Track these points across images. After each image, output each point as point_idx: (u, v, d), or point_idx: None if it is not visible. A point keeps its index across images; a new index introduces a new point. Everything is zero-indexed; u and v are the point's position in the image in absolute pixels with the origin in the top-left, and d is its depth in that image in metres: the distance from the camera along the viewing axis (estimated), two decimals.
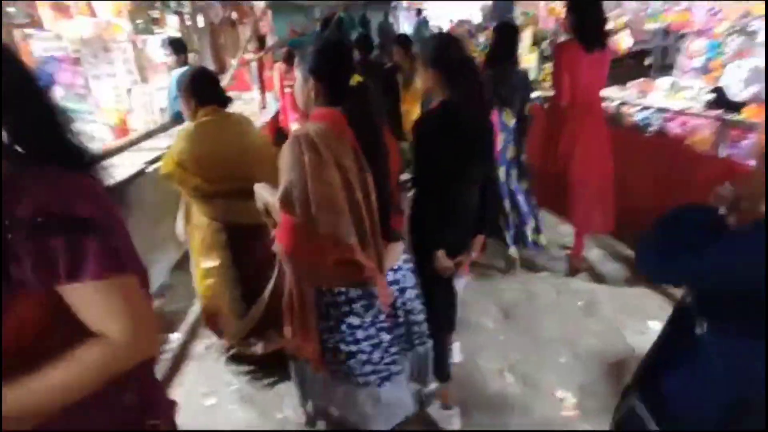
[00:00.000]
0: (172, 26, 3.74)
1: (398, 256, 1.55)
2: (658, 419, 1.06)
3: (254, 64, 5.55)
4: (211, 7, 4.50)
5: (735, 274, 0.88)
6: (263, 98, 6.29)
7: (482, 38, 5.81)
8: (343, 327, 1.46)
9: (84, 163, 0.82)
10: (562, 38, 3.48)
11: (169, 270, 3.18)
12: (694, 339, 0.98)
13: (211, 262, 2.12)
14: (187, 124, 2.07)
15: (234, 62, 4.48)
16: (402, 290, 1.58)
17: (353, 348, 1.48)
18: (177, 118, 3.52)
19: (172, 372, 2.39)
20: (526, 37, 4.64)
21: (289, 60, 6.57)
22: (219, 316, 2.22)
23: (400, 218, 1.63)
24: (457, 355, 2.31)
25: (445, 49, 1.73)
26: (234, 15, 5.18)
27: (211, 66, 4.53)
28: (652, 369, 1.14)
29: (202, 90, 2.01)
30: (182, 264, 3.22)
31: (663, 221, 1.00)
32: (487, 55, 3.08)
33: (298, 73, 1.40)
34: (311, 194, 1.27)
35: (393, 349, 1.54)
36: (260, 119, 5.75)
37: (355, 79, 1.37)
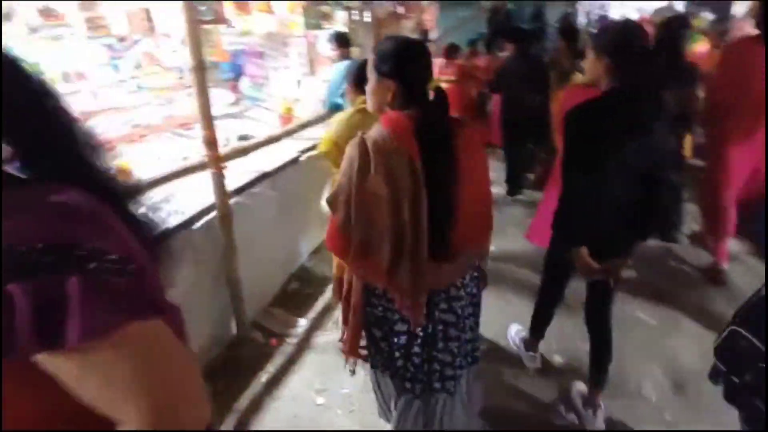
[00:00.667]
0: (340, 21, 3.91)
1: (452, 278, 1.42)
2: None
3: None
4: (380, 3, 4.58)
5: None
6: None
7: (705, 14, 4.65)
8: (389, 330, 1.43)
9: (107, 189, 0.66)
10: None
11: (309, 253, 3.34)
12: None
13: None
14: (347, 110, 2.25)
15: None
16: (463, 309, 1.46)
17: (397, 354, 1.44)
18: (334, 109, 3.65)
19: (292, 360, 2.46)
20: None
21: (448, 54, 6.47)
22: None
23: (483, 233, 1.49)
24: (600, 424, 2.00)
25: (618, 36, 1.63)
26: (401, 9, 5.21)
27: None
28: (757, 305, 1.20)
29: (363, 80, 2.01)
30: (321, 250, 3.34)
31: None
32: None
33: (371, 73, 1.34)
34: (353, 201, 1.24)
35: (437, 365, 1.45)
36: None
37: (434, 83, 1.30)
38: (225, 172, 2.27)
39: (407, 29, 5.35)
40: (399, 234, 1.24)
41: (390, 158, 1.22)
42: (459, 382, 1.53)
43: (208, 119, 2.14)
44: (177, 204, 2.38)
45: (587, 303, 1.94)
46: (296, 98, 4.48)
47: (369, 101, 1.39)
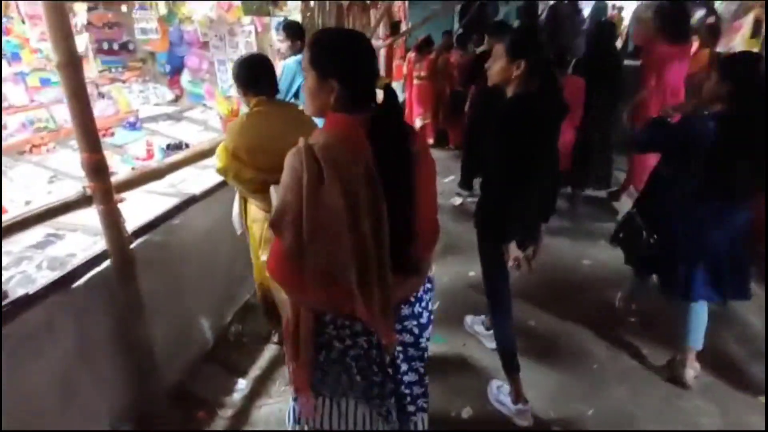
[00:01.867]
0: (292, 8, 3.29)
1: (416, 289, 1.32)
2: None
3: (382, 52, 4.93)
4: None
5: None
6: None
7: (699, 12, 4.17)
8: (347, 359, 1.31)
9: None
10: None
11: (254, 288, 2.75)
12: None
13: None
14: (240, 116, 1.99)
15: None
16: (421, 327, 1.34)
17: (359, 377, 1.33)
18: None
19: None
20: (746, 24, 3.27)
21: (420, 49, 5.91)
22: (275, 308, 2.13)
23: (434, 241, 1.35)
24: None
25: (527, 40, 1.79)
26: None
27: None
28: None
29: (256, 79, 1.94)
30: None
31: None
32: None
33: (308, 72, 1.18)
34: (305, 220, 1.09)
35: (405, 389, 1.35)
36: None
37: (382, 81, 1.17)
38: (125, 204, 1.66)
39: (374, 19, 4.74)
40: (363, 250, 1.10)
41: (344, 167, 1.07)
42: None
43: (90, 137, 1.51)
44: (61, 247, 1.74)
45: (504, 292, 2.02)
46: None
47: (307, 104, 1.21)
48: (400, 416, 1.37)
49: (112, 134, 2.94)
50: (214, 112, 3.78)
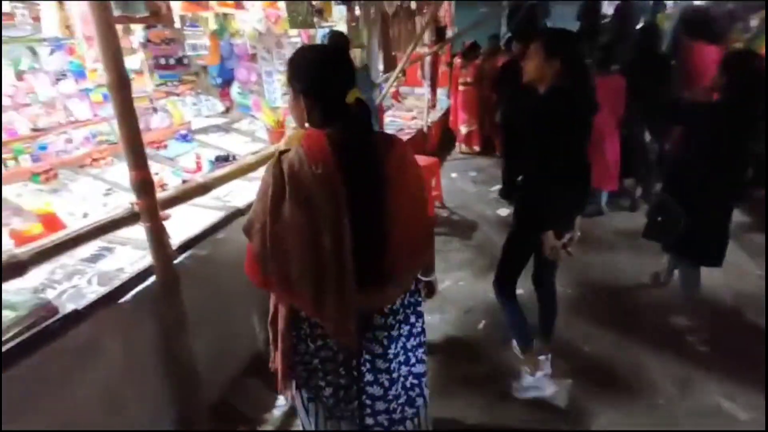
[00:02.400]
0: (338, 18, 3.26)
1: (389, 300, 1.30)
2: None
3: (427, 59, 4.84)
4: None
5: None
6: (434, 96, 5.60)
7: (755, 21, 4.03)
8: (316, 360, 1.32)
9: None
10: None
11: None
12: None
13: None
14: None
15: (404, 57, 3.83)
16: (391, 339, 1.31)
17: (323, 382, 1.34)
18: None
19: None
20: None
21: (466, 54, 5.76)
22: None
23: (418, 255, 1.33)
24: (547, 367, 2.21)
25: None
26: (413, 5, 4.52)
27: (379, 63, 3.98)
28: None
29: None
30: None
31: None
32: None
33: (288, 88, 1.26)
34: (268, 231, 1.13)
35: (367, 399, 1.33)
36: (428, 118, 5.10)
37: (353, 95, 1.15)
38: (171, 220, 1.67)
39: (420, 26, 4.65)
40: (320, 264, 1.13)
41: (306, 182, 1.10)
42: (404, 425, 1.42)
43: (137, 155, 1.52)
44: (111, 261, 1.78)
45: (538, 272, 2.18)
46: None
47: (292, 117, 1.27)
48: (360, 425, 1.36)
49: (165, 147, 3.03)
50: (261, 123, 3.83)
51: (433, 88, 5.40)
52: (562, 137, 1.77)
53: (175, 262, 1.71)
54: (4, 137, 2.68)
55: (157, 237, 1.61)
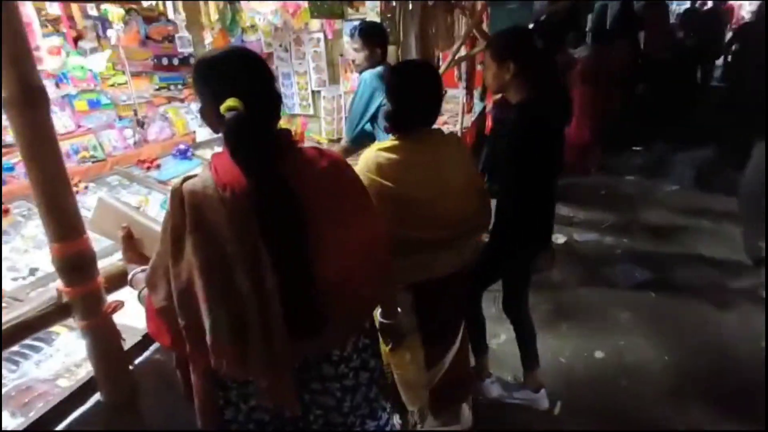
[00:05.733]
0: (371, 8, 2.62)
1: (332, 346, 1.06)
2: None
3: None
4: None
5: None
6: (470, 99, 4.93)
7: None
8: (252, 424, 1.06)
9: None
10: None
11: None
12: None
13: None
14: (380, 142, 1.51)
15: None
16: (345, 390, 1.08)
17: None
18: (359, 139, 2.37)
19: None
20: None
21: None
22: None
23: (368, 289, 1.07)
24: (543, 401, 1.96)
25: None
26: None
27: None
28: None
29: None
30: None
31: None
32: None
33: None
34: (171, 275, 0.88)
35: None
36: (463, 122, 4.45)
37: (227, 104, 0.88)
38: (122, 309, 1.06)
39: (460, 23, 3.97)
40: (239, 311, 0.88)
41: (212, 210, 0.87)
42: None
43: (62, 215, 0.91)
44: (36, 368, 1.17)
45: (508, 296, 1.94)
46: (308, 116, 3.26)
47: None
48: None
49: (158, 166, 2.44)
50: None
51: (470, 90, 4.72)
52: (533, 158, 1.61)
53: (136, 363, 1.11)
54: None
55: (102, 340, 1.00)
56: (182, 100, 3.25)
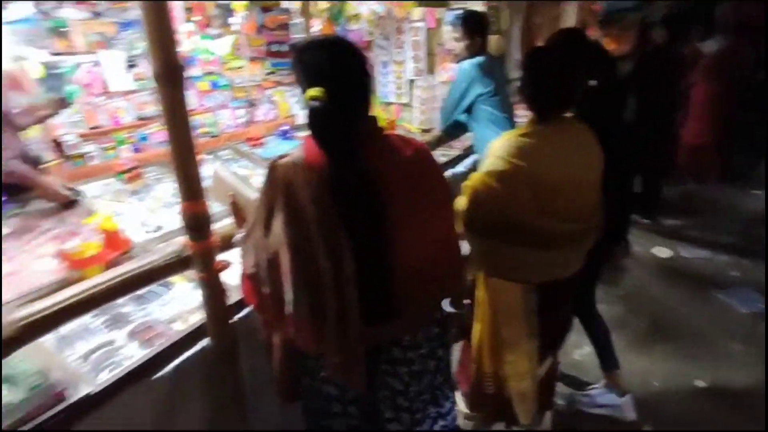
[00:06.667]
0: None
1: (403, 333, 1.06)
2: None
3: None
4: None
5: None
6: None
7: None
8: (319, 401, 1.11)
9: None
10: None
11: None
12: None
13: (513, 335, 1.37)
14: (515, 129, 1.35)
15: None
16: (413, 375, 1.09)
17: (327, 422, 1.13)
18: (453, 129, 2.34)
19: None
20: None
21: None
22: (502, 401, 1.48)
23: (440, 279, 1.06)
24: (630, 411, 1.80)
25: None
26: None
27: (517, 53, 3.18)
28: None
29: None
30: None
31: None
32: None
33: None
34: (261, 246, 0.94)
35: None
36: None
37: (310, 93, 0.91)
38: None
39: (567, 13, 3.71)
40: (319, 291, 0.91)
41: (301, 193, 0.90)
42: None
43: (189, 180, 1.03)
44: (161, 307, 1.35)
45: (579, 293, 1.56)
46: (405, 105, 3.28)
47: None
48: None
49: (263, 144, 2.63)
50: None
51: None
52: None
53: (235, 319, 1.23)
54: (110, 125, 2.52)
55: (212, 293, 1.12)
56: (288, 84, 3.47)
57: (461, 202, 1.28)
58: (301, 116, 3.18)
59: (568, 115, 1.32)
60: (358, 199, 0.93)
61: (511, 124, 2.18)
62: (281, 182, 0.92)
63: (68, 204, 1.72)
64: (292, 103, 3.31)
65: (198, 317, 1.27)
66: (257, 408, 1.32)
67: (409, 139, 1.05)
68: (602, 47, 1.89)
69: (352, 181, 0.92)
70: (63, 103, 1.91)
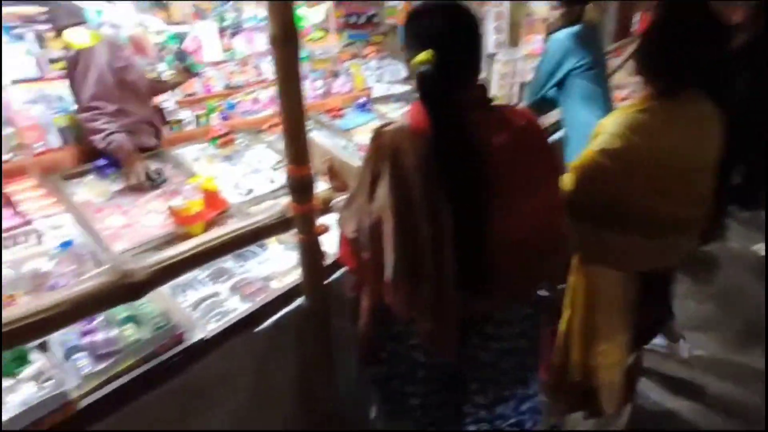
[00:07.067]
0: None
1: (496, 308, 1.05)
2: None
3: None
4: None
5: None
6: None
7: None
8: (405, 366, 1.12)
9: None
10: None
11: None
12: None
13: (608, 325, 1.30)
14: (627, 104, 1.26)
15: None
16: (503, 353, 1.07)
17: (410, 389, 1.14)
18: (539, 105, 2.22)
19: None
20: None
21: None
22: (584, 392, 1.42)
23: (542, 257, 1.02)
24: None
25: None
26: None
27: (610, 23, 2.93)
28: None
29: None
30: None
31: None
32: None
33: None
34: (364, 211, 0.95)
35: (470, 408, 1.12)
36: None
37: (420, 58, 0.87)
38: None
39: None
40: (418, 257, 0.91)
41: (406, 160, 0.90)
42: None
43: (297, 143, 1.06)
44: (258, 266, 1.41)
45: None
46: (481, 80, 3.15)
47: None
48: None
49: (342, 116, 2.65)
50: None
51: None
52: None
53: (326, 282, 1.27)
54: (203, 93, 2.65)
55: (311, 254, 1.16)
56: (364, 57, 3.45)
57: (566, 182, 1.21)
58: (377, 89, 3.17)
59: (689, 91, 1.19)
60: (462, 167, 0.91)
61: (608, 99, 2.02)
62: (387, 148, 0.92)
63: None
64: (368, 76, 3.30)
65: (292, 277, 1.33)
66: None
67: (520, 110, 1.02)
68: (721, 16, 1.68)
69: (458, 149, 0.91)
70: (189, 72, 2.02)
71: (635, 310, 1.28)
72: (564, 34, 2.02)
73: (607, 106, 2.01)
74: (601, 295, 1.26)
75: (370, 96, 3.07)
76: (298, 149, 1.06)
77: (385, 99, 3.02)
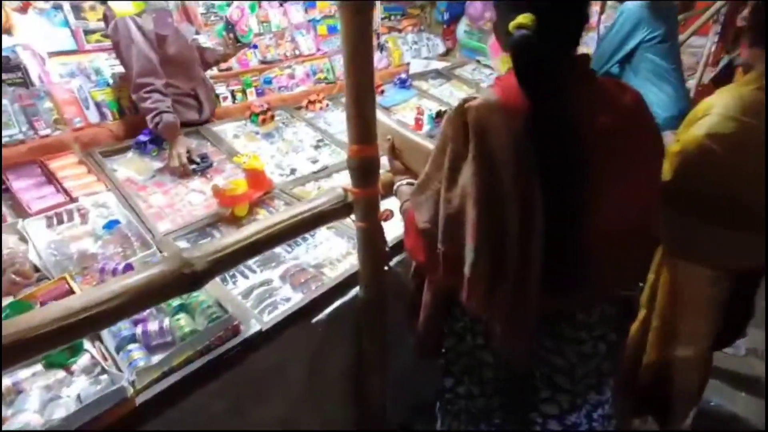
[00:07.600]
0: None
1: (572, 308, 0.94)
2: None
3: None
4: None
5: None
6: (719, 50, 3.90)
7: None
8: (475, 358, 1.02)
9: None
10: None
11: None
12: None
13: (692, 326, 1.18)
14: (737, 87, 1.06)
15: None
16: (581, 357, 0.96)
17: (477, 389, 1.05)
18: None
19: None
20: None
21: None
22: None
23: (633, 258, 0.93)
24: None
25: None
26: None
27: None
28: None
29: None
30: None
31: None
32: None
33: None
34: (441, 198, 0.84)
35: (537, 417, 1.02)
36: (702, 77, 3.54)
37: (518, 20, 0.75)
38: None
39: None
40: (500, 248, 0.81)
41: (494, 137, 0.78)
42: None
43: (363, 122, 0.95)
44: (308, 252, 1.33)
45: None
46: None
47: None
48: None
49: (382, 92, 2.51)
50: (488, 71, 3.03)
51: (725, 37, 3.69)
52: None
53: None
54: (238, 68, 2.55)
55: (371, 243, 1.06)
56: (400, 31, 3.27)
57: (663, 170, 1.07)
58: (414, 65, 3.00)
59: None
60: (561, 150, 0.80)
61: (680, 77, 1.84)
62: (474, 127, 0.79)
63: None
64: (405, 51, 3.13)
65: (346, 265, 1.24)
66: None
67: (625, 85, 0.89)
68: None
69: (558, 129, 0.79)
70: (241, 43, 1.91)
71: (722, 311, 1.15)
72: (635, 4, 1.83)
73: (679, 86, 1.83)
74: (688, 295, 1.14)
75: (407, 71, 2.92)
76: (364, 127, 0.95)
77: (424, 75, 2.86)
